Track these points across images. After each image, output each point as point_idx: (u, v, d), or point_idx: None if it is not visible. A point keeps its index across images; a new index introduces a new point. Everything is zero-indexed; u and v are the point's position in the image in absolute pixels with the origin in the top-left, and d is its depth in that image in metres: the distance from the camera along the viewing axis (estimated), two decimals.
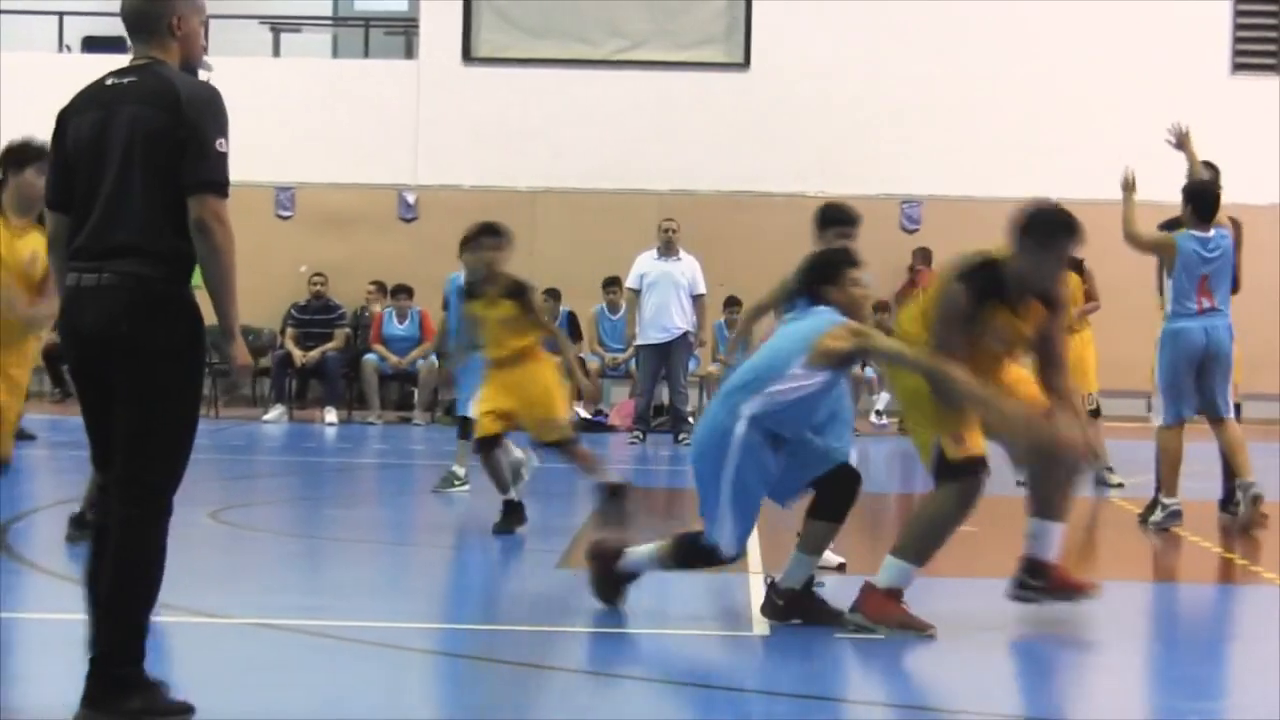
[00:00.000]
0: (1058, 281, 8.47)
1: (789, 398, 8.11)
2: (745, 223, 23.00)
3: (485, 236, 11.86)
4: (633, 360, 20.87)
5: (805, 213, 22.76)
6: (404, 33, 25.34)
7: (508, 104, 23.35)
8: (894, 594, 8.24)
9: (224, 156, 6.09)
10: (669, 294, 19.64)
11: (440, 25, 23.71)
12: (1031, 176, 22.64)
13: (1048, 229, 8.32)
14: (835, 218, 9.91)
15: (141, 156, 6.08)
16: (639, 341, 19.92)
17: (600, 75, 23.44)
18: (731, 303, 21.97)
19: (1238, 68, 23.37)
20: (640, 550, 8.63)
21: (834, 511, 8.36)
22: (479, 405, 11.72)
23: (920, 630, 8.16)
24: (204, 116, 6.08)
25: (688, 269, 19.85)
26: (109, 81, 6.25)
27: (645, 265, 19.82)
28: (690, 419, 20.40)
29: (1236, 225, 13.00)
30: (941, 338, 8.20)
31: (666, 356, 19.82)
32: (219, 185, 6.08)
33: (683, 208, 21.52)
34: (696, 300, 19.87)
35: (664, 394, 20.40)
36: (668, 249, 19.83)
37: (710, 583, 9.53)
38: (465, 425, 13.46)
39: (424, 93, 23.51)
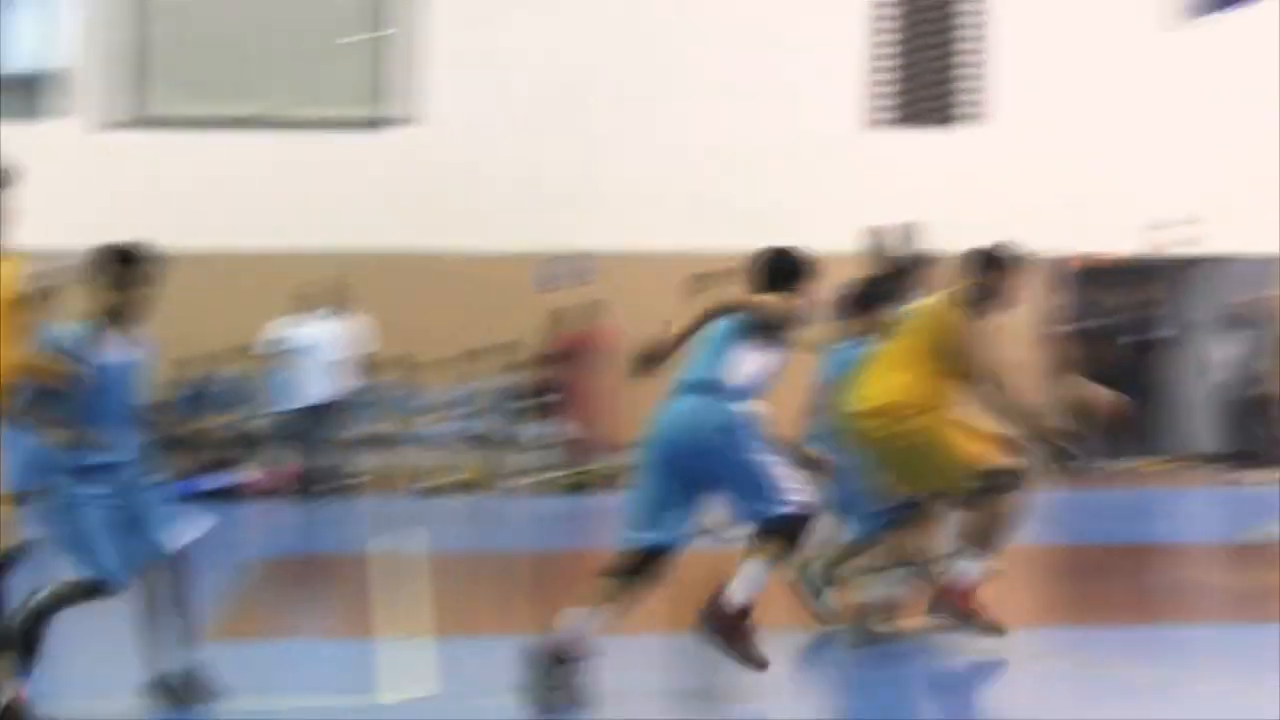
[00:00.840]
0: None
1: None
2: (409, 283, 22.93)
3: None
4: (285, 424, 20.53)
5: (461, 272, 23.11)
6: (39, 93, 24.60)
7: (158, 166, 22.90)
8: (972, 590, 9.68)
9: None
10: (322, 356, 19.51)
11: (89, 84, 23.08)
12: (692, 230, 23.00)
13: (1008, 261, 9.96)
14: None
15: None
16: (294, 405, 19.74)
17: (251, 136, 23.11)
18: (386, 363, 21.85)
19: (876, 122, 24.01)
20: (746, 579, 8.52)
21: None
22: None
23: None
24: None
25: (342, 330, 19.75)
26: None
27: (298, 327, 19.67)
28: (345, 480, 20.27)
29: None
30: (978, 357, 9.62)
31: (321, 419, 19.70)
32: None
33: (338, 268, 21.33)
34: (353, 361, 19.76)
35: (318, 457, 20.20)
36: (322, 310, 19.71)
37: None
38: None
39: (64, 155, 22.88)
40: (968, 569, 9.70)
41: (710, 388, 8.61)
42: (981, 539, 9.70)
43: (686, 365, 8.78)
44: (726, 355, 8.65)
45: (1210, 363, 22.88)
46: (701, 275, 16.01)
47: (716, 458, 8.47)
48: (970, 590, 9.67)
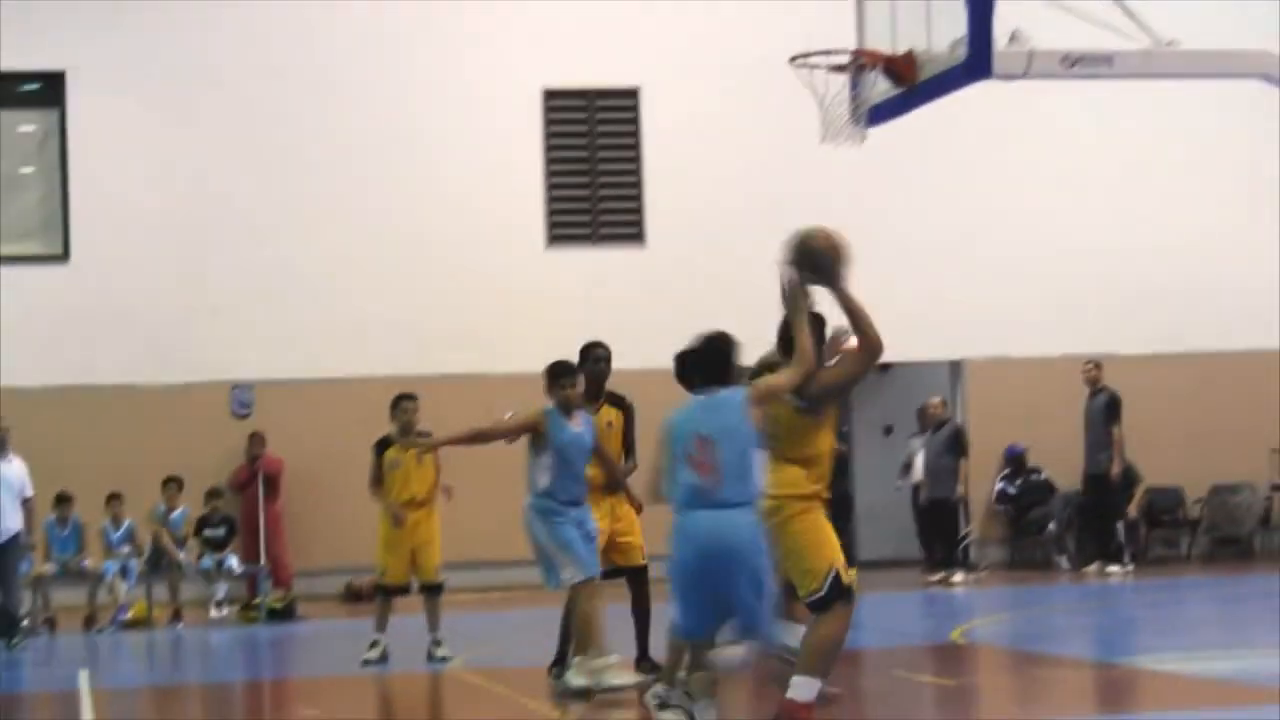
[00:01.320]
0: None
1: None
2: (74, 418, 22.43)
3: None
4: None
5: (137, 403, 22.71)
6: None
7: None
8: (813, 706, 9.34)
9: None
10: (2, 495, 18.92)
11: None
12: (365, 355, 22.96)
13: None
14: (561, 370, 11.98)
15: None
16: None
17: None
18: (62, 500, 21.27)
19: (553, 240, 24.19)
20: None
21: None
22: None
23: None
24: None
25: (19, 470, 19.20)
26: None
27: None
28: (24, 622, 19.63)
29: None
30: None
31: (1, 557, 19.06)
32: None
33: (7, 406, 20.72)
34: (25, 502, 19.21)
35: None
36: (0, 449, 19.13)
37: None
38: None
39: None
40: (806, 686, 9.39)
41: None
42: (823, 659, 9.49)
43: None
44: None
45: (906, 467, 23.32)
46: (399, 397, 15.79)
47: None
48: (811, 707, 9.40)
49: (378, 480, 15.51)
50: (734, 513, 8.83)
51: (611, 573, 12.87)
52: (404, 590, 15.43)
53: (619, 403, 13.19)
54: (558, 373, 12.39)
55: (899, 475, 23.54)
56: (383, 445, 15.55)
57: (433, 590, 15.30)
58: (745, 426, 8.91)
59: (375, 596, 15.73)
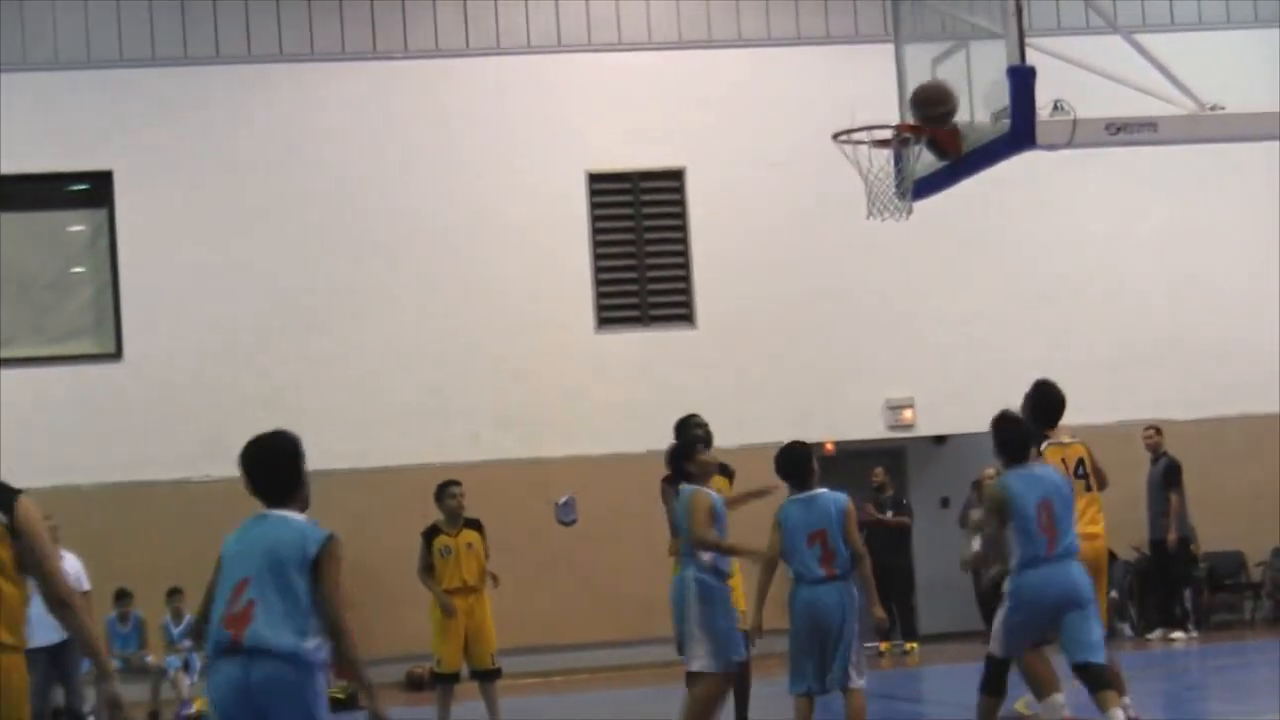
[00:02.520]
0: None
1: None
2: (131, 514, 22.50)
3: None
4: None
5: (193, 498, 22.76)
6: None
7: None
8: None
9: None
10: None
11: None
12: (419, 443, 22.98)
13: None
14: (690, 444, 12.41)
15: None
16: (31, 644, 19.06)
17: None
18: (122, 596, 21.36)
19: (603, 323, 24.19)
20: None
21: None
22: None
23: None
24: None
25: (73, 567, 19.24)
26: None
27: None
28: (91, 719, 19.65)
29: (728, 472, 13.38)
30: None
31: (58, 657, 19.08)
32: None
33: (64, 504, 20.82)
34: (83, 595, 19.24)
35: (59, 696, 19.60)
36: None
37: None
38: None
39: None
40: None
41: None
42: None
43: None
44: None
45: (968, 538, 23.27)
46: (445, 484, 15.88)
47: None
48: None
49: (428, 567, 15.54)
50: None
51: None
52: (458, 677, 15.44)
53: (724, 470, 13.24)
54: (689, 445, 12.31)
55: (968, 544, 23.44)
56: (431, 533, 15.58)
57: (489, 676, 15.28)
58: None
59: (434, 686, 15.74)
